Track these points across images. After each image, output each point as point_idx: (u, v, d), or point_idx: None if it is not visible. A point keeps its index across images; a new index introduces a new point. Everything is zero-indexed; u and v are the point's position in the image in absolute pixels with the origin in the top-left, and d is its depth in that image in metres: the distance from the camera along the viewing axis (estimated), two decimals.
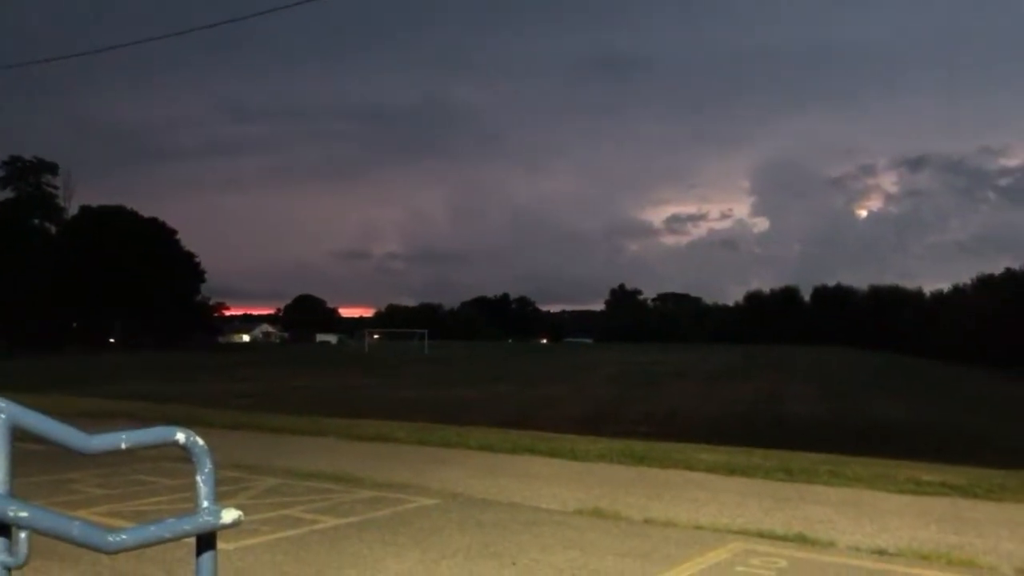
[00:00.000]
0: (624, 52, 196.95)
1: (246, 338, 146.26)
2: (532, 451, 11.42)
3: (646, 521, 7.35)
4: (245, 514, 2.24)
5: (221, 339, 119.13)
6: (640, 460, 10.59)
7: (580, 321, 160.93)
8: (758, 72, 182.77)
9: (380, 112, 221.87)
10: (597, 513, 7.65)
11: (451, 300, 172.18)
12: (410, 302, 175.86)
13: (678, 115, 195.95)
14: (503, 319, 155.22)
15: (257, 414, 17.95)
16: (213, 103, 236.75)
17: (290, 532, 6.86)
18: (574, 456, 10.97)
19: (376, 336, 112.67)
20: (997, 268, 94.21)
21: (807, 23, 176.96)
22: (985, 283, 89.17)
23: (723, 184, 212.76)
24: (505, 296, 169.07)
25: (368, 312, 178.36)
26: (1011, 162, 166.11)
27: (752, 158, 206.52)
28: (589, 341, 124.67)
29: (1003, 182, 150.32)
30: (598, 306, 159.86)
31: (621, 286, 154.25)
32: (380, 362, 59.93)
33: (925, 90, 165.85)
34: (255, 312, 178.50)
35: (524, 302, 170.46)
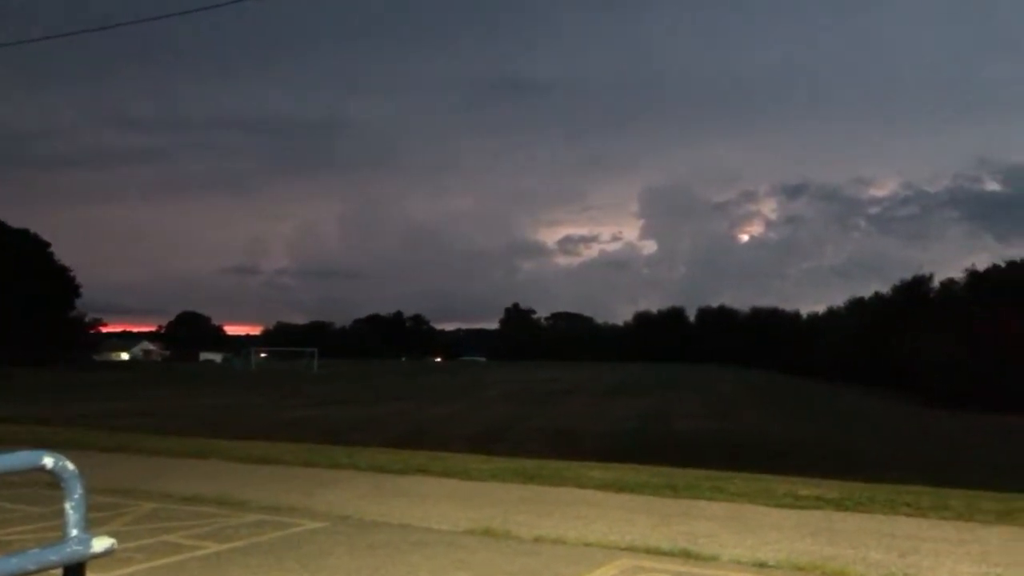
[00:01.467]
0: (521, 75, 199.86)
1: (125, 356, 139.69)
2: (424, 471, 11.33)
3: (536, 540, 7.38)
4: (119, 541, 2.12)
5: (96, 357, 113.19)
6: (532, 479, 10.65)
7: (474, 339, 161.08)
8: (649, 99, 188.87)
9: (273, 125, 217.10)
10: (488, 533, 7.64)
11: (343, 318, 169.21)
12: (300, 320, 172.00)
13: (573, 139, 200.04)
14: (397, 337, 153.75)
15: (135, 435, 17.14)
16: (96, 111, 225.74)
17: (169, 559, 6.56)
18: (467, 476, 10.93)
19: (263, 354, 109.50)
20: (867, 291, 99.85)
21: (696, 53, 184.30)
22: (856, 305, 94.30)
23: (614, 207, 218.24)
24: (399, 314, 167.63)
25: (256, 330, 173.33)
26: (880, 192, 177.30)
27: (642, 183, 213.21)
28: (483, 359, 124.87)
29: (873, 211, 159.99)
30: (492, 325, 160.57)
31: (515, 305, 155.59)
32: (267, 381, 58.32)
33: (805, 121, 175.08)
34: (136, 329, 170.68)
35: (418, 320, 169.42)
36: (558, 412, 32.65)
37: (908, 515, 8.37)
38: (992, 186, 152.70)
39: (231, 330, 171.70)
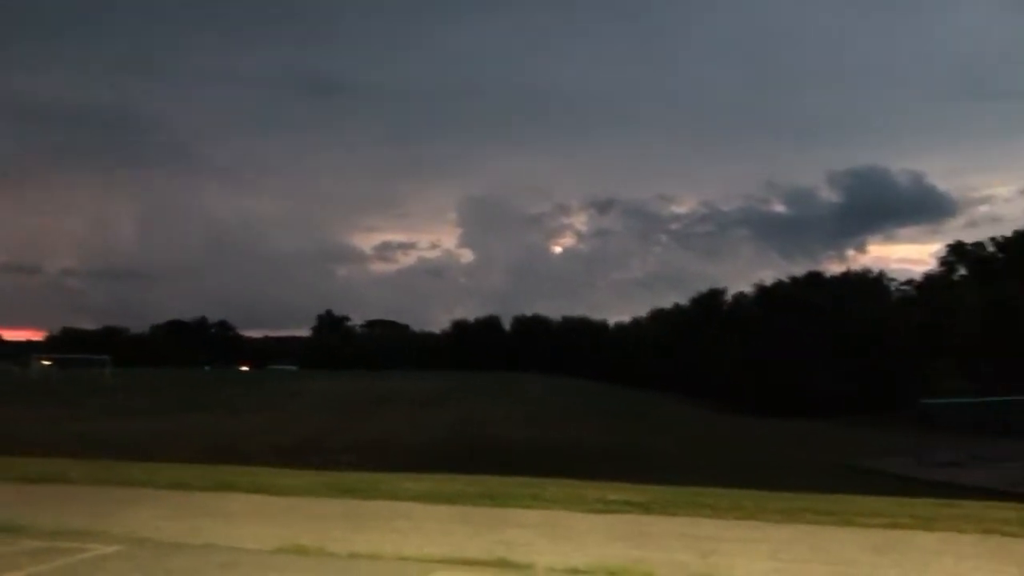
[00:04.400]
0: (335, 74, 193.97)
1: None
2: (231, 487, 10.74)
3: (351, 556, 7.16)
4: None
5: None
6: (346, 492, 10.37)
7: (285, 347, 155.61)
8: (467, 109, 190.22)
9: (55, 112, 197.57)
10: (300, 550, 7.33)
11: (139, 323, 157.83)
12: (90, 325, 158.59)
13: (391, 143, 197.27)
14: (200, 344, 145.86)
15: None
16: None
17: None
18: (277, 491, 10.47)
19: (47, 363, 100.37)
20: (668, 303, 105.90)
21: (513, 65, 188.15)
22: (658, 316, 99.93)
23: (432, 215, 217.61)
24: (203, 320, 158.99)
25: (38, 335, 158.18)
26: (681, 209, 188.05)
27: (460, 191, 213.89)
28: (294, 368, 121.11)
29: (674, 227, 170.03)
30: (304, 332, 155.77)
31: (328, 312, 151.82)
32: (51, 392, 53.46)
33: (616, 138, 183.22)
34: None
35: (224, 326, 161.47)
36: (373, 422, 32.20)
37: (708, 517, 8.86)
38: (778, 207, 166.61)
39: (8, 335, 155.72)
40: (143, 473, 11.97)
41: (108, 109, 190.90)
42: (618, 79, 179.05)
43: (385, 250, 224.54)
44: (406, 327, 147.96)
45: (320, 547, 7.39)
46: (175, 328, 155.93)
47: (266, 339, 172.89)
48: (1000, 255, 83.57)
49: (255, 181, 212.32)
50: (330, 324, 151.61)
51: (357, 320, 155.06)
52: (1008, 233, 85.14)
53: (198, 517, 8.81)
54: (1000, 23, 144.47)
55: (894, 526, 8.25)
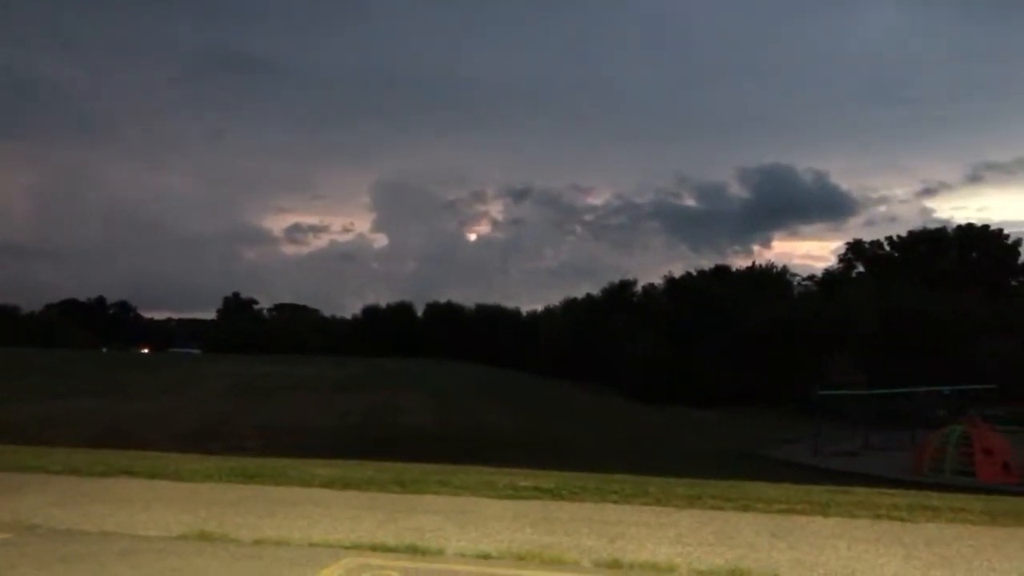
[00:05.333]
0: (251, 52, 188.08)
1: None
2: (129, 473, 10.36)
3: (257, 542, 7.02)
4: None
5: None
6: (252, 478, 10.14)
7: (189, 330, 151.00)
8: (384, 92, 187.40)
9: None
10: (204, 537, 7.14)
11: (32, 302, 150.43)
12: None
13: (306, 125, 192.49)
14: (98, 325, 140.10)
15: None
16: None
17: None
18: (179, 477, 10.16)
19: None
20: (580, 293, 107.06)
21: (432, 51, 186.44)
22: (570, 305, 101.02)
23: (346, 198, 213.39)
24: (101, 300, 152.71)
25: None
26: (596, 201, 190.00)
27: (375, 175, 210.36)
28: (198, 352, 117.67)
29: (588, 218, 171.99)
30: (209, 315, 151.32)
31: (236, 294, 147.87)
32: None
33: (533, 128, 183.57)
34: None
35: (124, 307, 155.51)
36: (281, 408, 31.58)
37: (615, 502, 9.02)
38: (689, 202, 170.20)
39: None
40: (33, 458, 11.44)
41: (8, 73, 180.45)
42: (537, 69, 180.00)
43: (296, 232, 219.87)
44: (316, 312, 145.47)
45: (224, 533, 7.22)
46: (70, 308, 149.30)
47: (169, 321, 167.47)
48: (895, 254, 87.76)
49: (163, 157, 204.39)
50: (237, 307, 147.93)
51: (265, 303, 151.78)
52: (903, 233, 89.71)
53: (94, 503, 8.47)
54: (902, 31, 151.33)
55: (792, 512, 8.57)
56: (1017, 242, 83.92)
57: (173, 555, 6.51)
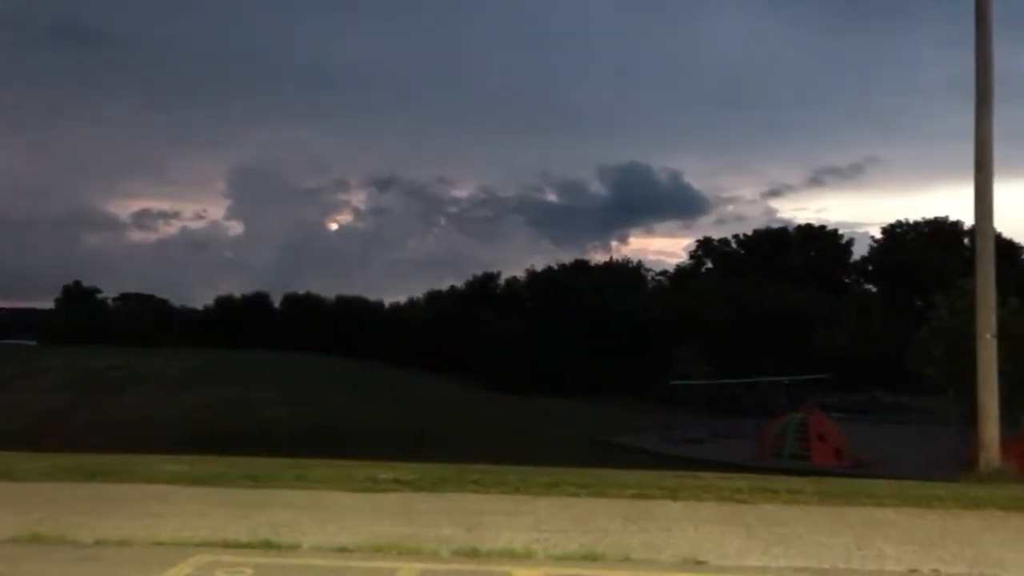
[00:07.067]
0: (92, 23, 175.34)
1: None
2: None
3: (98, 543, 6.64)
4: None
5: None
6: (93, 476, 9.56)
7: (24, 320, 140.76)
8: (242, 75, 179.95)
9: None
10: (37, 539, 6.68)
11: None
12: None
13: (157, 105, 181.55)
14: None
15: None
16: None
17: None
18: (10, 476, 9.45)
19: None
20: (444, 285, 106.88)
21: (293, 35, 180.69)
22: (434, 298, 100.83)
23: (200, 184, 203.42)
24: None
25: None
26: (461, 193, 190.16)
27: (231, 161, 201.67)
28: (33, 343, 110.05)
29: (453, 210, 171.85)
30: (47, 304, 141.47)
31: (77, 283, 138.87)
32: None
33: (398, 118, 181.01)
34: None
35: None
36: (126, 402, 29.98)
37: (474, 492, 9.09)
38: (551, 197, 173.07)
39: None
40: None
41: None
42: (404, 60, 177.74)
43: (145, 218, 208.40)
44: (165, 301, 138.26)
45: (61, 535, 6.79)
46: None
47: (2, 311, 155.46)
48: (741, 252, 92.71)
49: None
50: (78, 296, 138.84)
51: (110, 293, 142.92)
52: (749, 232, 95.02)
53: None
54: (754, 39, 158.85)
55: (643, 496, 8.90)
56: (850, 242, 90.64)
57: (2, 560, 6.06)
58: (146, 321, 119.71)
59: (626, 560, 6.49)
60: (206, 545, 6.62)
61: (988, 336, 12.06)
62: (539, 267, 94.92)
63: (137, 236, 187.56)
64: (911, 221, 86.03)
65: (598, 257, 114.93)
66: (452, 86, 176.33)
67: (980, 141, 12.32)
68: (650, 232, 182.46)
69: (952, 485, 10.47)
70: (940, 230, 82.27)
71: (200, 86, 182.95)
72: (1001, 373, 12.23)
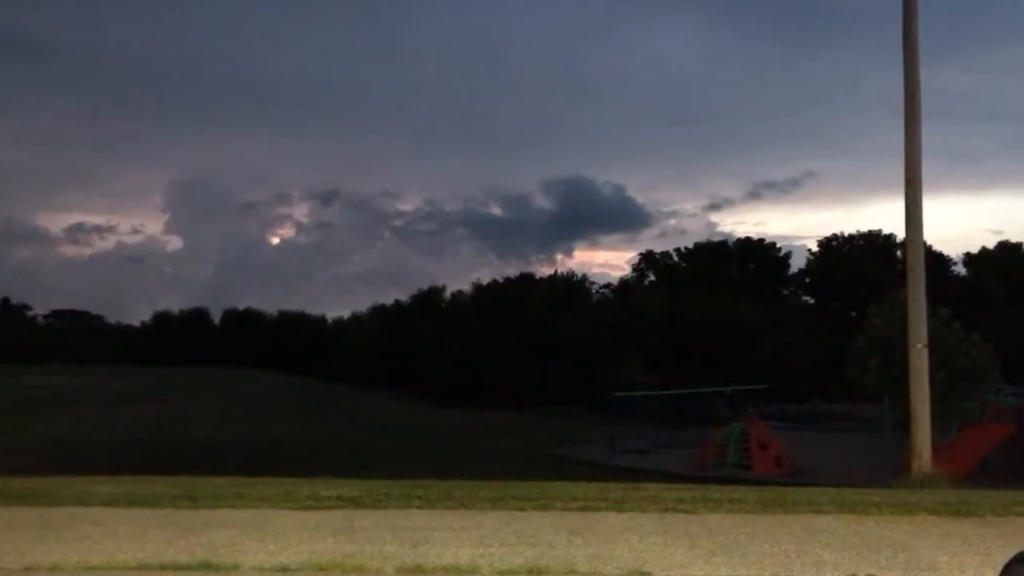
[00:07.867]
0: (23, 30, 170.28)
1: None
2: None
3: (27, 569, 6.41)
4: None
5: None
6: (20, 499, 9.23)
7: None
8: (181, 86, 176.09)
9: None
10: None
11: None
12: None
13: (91, 115, 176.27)
14: None
15: None
16: None
17: None
18: None
19: None
20: (389, 299, 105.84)
21: (239, 48, 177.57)
22: (378, 312, 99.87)
23: (136, 197, 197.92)
24: None
25: None
26: (406, 206, 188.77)
27: (168, 173, 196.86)
28: None
29: (398, 223, 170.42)
30: None
31: (5, 300, 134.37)
32: None
33: (343, 131, 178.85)
34: None
35: None
36: (56, 422, 29.01)
37: (419, 508, 9.00)
38: (496, 211, 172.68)
39: None
40: None
41: None
42: (348, 72, 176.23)
43: (78, 232, 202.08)
44: (100, 318, 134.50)
45: None
46: None
47: None
48: (683, 264, 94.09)
49: None
50: (7, 313, 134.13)
51: (41, 309, 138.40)
52: (690, 245, 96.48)
53: None
54: (695, 55, 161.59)
55: (588, 509, 8.93)
56: (788, 255, 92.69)
57: None
58: (79, 339, 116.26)
59: (571, 573, 6.50)
60: (143, 568, 6.44)
61: (919, 346, 12.44)
62: (484, 280, 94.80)
63: (70, 251, 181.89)
64: (846, 234, 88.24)
65: (543, 270, 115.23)
66: (396, 99, 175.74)
67: (909, 159, 12.75)
68: (595, 245, 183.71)
69: (887, 491, 10.74)
70: (874, 243, 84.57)
71: (139, 98, 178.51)
72: (932, 381, 12.61)
